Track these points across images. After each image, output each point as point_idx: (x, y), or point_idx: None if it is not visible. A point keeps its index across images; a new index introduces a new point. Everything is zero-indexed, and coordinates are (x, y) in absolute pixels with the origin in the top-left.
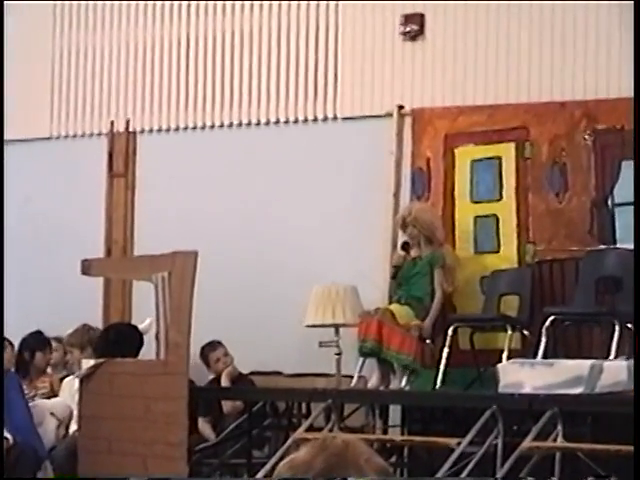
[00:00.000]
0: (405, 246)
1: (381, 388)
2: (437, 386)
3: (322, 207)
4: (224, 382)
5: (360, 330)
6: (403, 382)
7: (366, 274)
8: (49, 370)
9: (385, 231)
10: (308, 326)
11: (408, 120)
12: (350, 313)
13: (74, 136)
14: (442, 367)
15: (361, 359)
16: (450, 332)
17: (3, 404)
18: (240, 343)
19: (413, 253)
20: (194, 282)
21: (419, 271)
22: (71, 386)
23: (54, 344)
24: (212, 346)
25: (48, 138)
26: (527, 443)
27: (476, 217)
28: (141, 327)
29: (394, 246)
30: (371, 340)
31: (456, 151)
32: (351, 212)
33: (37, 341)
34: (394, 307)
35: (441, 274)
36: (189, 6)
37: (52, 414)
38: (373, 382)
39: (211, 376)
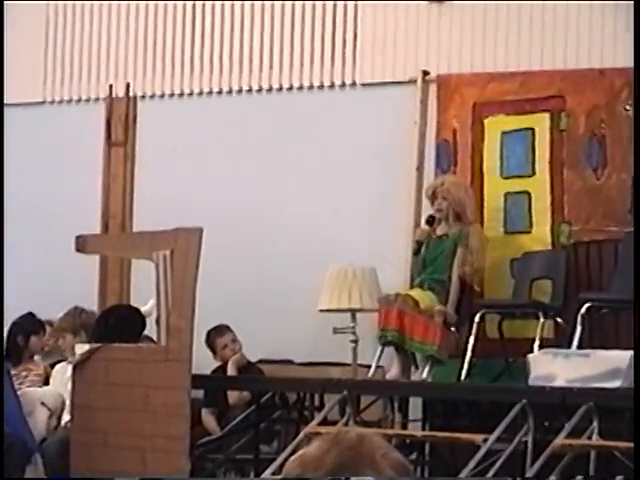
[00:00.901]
0: (430, 220)
1: (402, 379)
2: (462, 378)
3: (338, 181)
4: (230, 371)
5: (379, 319)
6: (425, 373)
7: (386, 254)
8: (36, 357)
9: (407, 208)
10: (322, 311)
11: (433, 87)
12: (368, 297)
13: (69, 101)
14: (468, 357)
15: (379, 348)
16: (477, 319)
17: (3, 403)
18: (248, 329)
19: (439, 231)
20: (198, 261)
21: (444, 251)
22: (63, 373)
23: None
24: (219, 331)
25: (41, 103)
26: (560, 440)
27: (506, 194)
28: (144, 310)
29: (417, 224)
30: (392, 331)
31: (485, 122)
32: (370, 187)
33: (31, 324)
34: (415, 292)
35: (463, 254)
36: None
37: (43, 404)
38: (393, 373)
39: (216, 364)
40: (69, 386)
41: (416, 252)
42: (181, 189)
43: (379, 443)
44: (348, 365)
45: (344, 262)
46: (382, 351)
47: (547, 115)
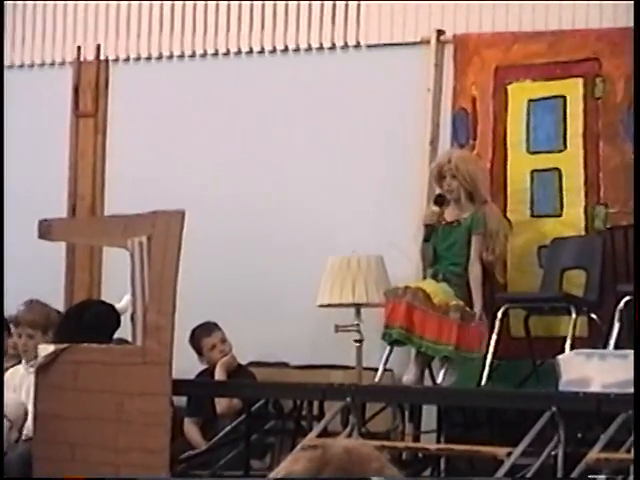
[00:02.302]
0: (439, 200)
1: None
2: (482, 382)
3: (340, 159)
4: (218, 375)
5: (385, 315)
6: (440, 377)
7: (395, 241)
8: None
9: (419, 188)
10: (322, 306)
11: (449, 49)
12: (374, 290)
13: (31, 65)
14: (489, 359)
15: (388, 348)
16: (499, 315)
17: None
18: (238, 327)
19: (449, 216)
20: (180, 250)
21: (458, 239)
22: (13, 379)
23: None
24: (206, 329)
25: None
26: (594, 454)
27: (533, 171)
28: (118, 306)
29: None
30: (397, 327)
31: (509, 88)
32: (376, 165)
33: None
34: (428, 285)
35: (480, 241)
36: None
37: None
38: (409, 377)
39: (202, 367)
40: (31, 393)
41: (427, 238)
42: (160, 166)
43: (370, 456)
44: (351, 368)
45: (347, 250)
46: (390, 351)
47: (580, 81)
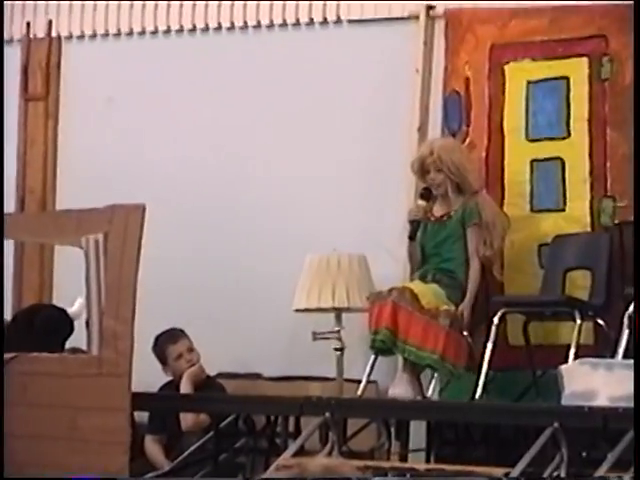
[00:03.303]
0: (425, 194)
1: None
2: (477, 395)
3: (318, 145)
4: (184, 387)
5: (370, 320)
6: (430, 389)
7: (380, 239)
8: None
9: (407, 180)
10: (298, 311)
11: (440, 25)
12: (357, 293)
13: None
14: (484, 369)
15: (372, 357)
16: (496, 321)
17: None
18: (205, 334)
19: (437, 211)
20: (140, 248)
21: (450, 235)
22: None
23: None
24: (171, 337)
25: None
26: (600, 475)
27: (533, 161)
28: (71, 311)
29: None
30: (383, 329)
31: (506, 68)
32: (359, 153)
33: None
34: (416, 285)
35: (477, 234)
36: None
37: None
38: (397, 390)
39: (166, 378)
40: None
41: (412, 236)
42: (119, 155)
43: (352, 476)
44: (331, 380)
45: (326, 248)
46: (375, 360)
47: (585, 60)
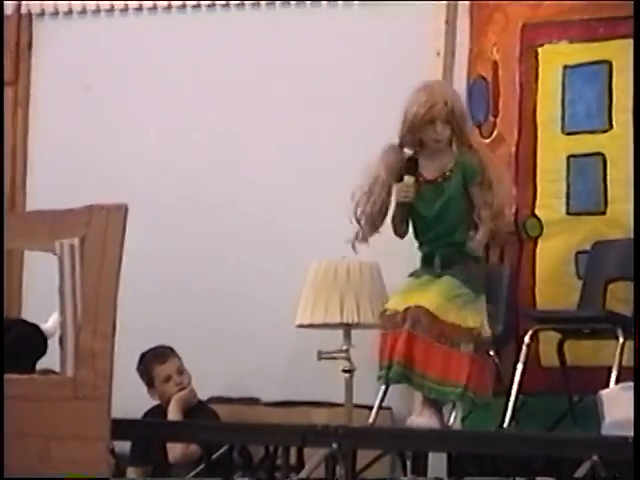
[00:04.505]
0: (413, 167)
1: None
2: (505, 423)
3: (327, 139)
4: (172, 413)
5: (382, 348)
6: (452, 416)
7: (394, 245)
8: None
9: None
10: (301, 326)
11: (465, 4)
12: (369, 306)
13: None
14: (513, 394)
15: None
16: (527, 339)
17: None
18: (196, 354)
19: (430, 171)
20: (121, 255)
21: (451, 196)
22: None
23: None
24: (160, 356)
25: None
26: None
27: (570, 157)
28: (45, 327)
29: None
30: (396, 366)
31: (540, 51)
32: (373, 148)
33: None
34: (430, 297)
35: (479, 193)
36: None
37: None
38: (422, 420)
39: (153, 403)
40: None
41: (406, 219)
42: (97, 149)
43: None
44: (339, 406)
45: (333, 255)
46: (388, 385)
47: (629, 42)
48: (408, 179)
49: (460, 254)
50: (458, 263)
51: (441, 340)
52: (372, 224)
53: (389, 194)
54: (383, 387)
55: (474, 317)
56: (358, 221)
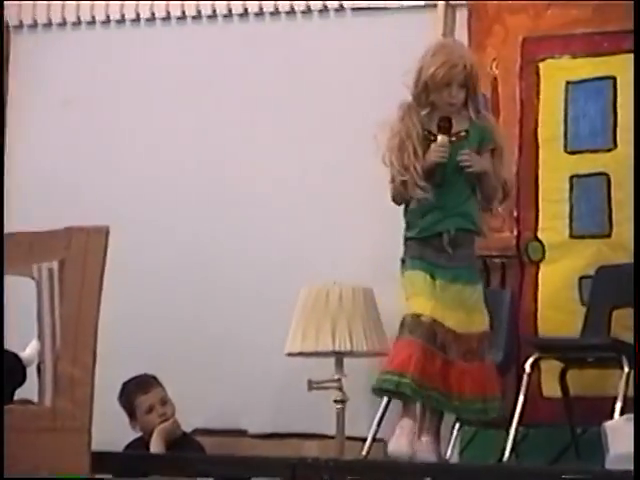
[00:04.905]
0: (446, 126)
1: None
2: (505, 457)
3: (318, 155)
4: (155, 445)
5: (400, 356)
6: (449, 449)
7: (388, 268)
8: None
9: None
10: (291, 355)
11: (462, 15)
12: (362, 334)
13: None
14: (514, 425)
15: (381, 408)
16: (528, 368)
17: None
18: (180, 383)
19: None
20: (102, 279)
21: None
22: None
23: None
24: (143, 385)
25: None
26: None
27: (573, 177)
28: (24, 356)
29: None
30: (411, 380)
31: (542, 66)
32: (367, 165)
33: None
34: (454, 318)
35: (490, 160)
36: None
37: None
38: (422, 454)
39: (135, 435)
40: None
41: (441, 182)
42: (76, 167)
43: None
44: (330, 438)
45: (325, 280)
46: (383, 415)
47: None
48: (442, 138)
49: (466, 232)
50: (466, 246)
51: (468, 357)
52: (425, 178)
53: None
54: (380, 411)
55: (485, 313)
56: (404, 184)
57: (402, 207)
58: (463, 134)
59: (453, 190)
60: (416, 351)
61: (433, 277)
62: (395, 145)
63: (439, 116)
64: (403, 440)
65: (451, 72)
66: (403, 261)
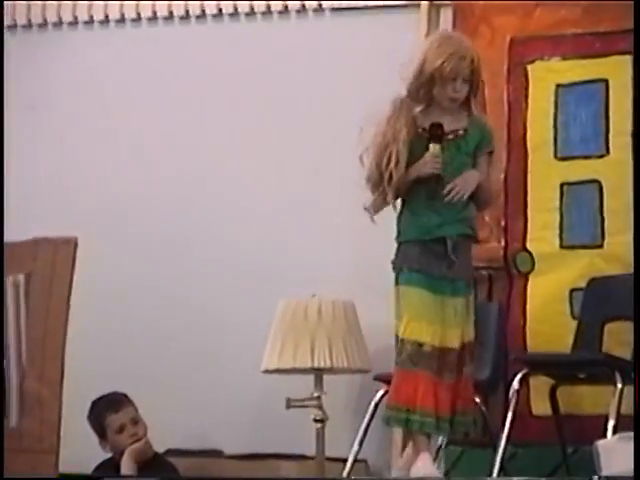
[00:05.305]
0: (439, 132)
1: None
2: (494, 476)
3: (296, 161)
4: (126, 467)
5: (407, 391)
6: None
7: (371, 280)
8: None
9: None
10: (268, 372)
11: (447, 15)
12: (342, 349)
13: None
14: (502, 444)
15: (362, 430)
16: (516, 385)
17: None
18: (152, 402)
19: (447, 125)
20: (70, 292)
21: (468, 155)
22: None
23: None
24: (113, 404)
25: None
26: None
27: (564, 185)
28: None
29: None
30: (428, 415)
31: (530, 68)
32: (348, 171)
33: None
34: (456, 335)
35: (486, 164)
36: None
37: None
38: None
39: (105, 455)
40: None
41: (433, 196)
42: (42, 176)
43: None
44: (310, 458)
45: (303, 293)
46: (365, 433)
47: (628, 59)
48: (435, 148)
49: (466, 239)
50: (465, 253)
51: (460, 371)
52: (396, 189)
53: (409, 155)
54: (361, 430)
55: (472, 323)
56: (376, 187)
57: (386, 220)
58: (461, 132)
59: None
60: (422, 384)
61: (433, 290)
62: (378, 145)
63: (430, 122)
64: (428, 463)
65: (459, 65)
66: (397, 269)
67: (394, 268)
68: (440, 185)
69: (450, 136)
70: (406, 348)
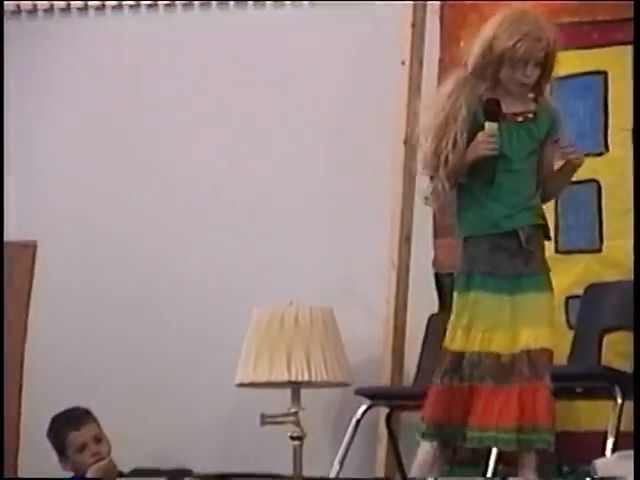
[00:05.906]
0: (493, 109)
1: None
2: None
3: (273, 166)
4: None
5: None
6: None
7: (351, 286)
8: None
9: (390, 207)
10: (242, 386)
11: (434, 6)
12: (321, 360)
13: None
14: (492, 462)
15: (343, 447)
16: None
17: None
18: (116, 418)
19: (507, 108)
20: (29, 300)
21: (539, 140)
22: None
23: None
24: (75, 420)
25: None
26: None
27: None
28: None
29: (406, 236)
30: (509, 432)
31: None
32: (327, 172)
33: None
34: (513, 332)
35: (552, 153)
36: None
37: None
38: None
39: (64, 474)
40: None
41: (488, 181)
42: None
43: None
44: (287, 478)
45: (279, 301)
46: (346, 451)
47: (628, 49)
48: (491, 127)
49: (538, 229)
50: (537, 246)
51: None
52: (455, 177)
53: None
54: (344, 444)
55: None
56: (434, 172)
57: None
58: (530, 115)
59: (520, 180)
60: (503, 398)
61: (508, 293)
62: (438, 126)
63: (486, 98)
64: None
65: (533, 47)
66: (465, 273)
67: (460, 272)
68: (506, 171)
69: (519, 118)
70: (484, 362)
